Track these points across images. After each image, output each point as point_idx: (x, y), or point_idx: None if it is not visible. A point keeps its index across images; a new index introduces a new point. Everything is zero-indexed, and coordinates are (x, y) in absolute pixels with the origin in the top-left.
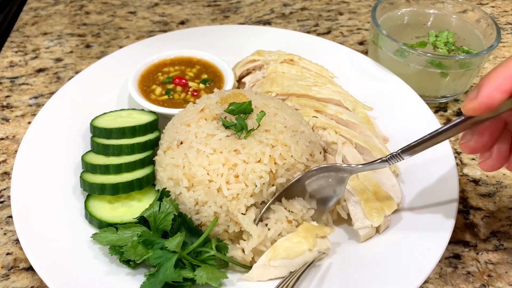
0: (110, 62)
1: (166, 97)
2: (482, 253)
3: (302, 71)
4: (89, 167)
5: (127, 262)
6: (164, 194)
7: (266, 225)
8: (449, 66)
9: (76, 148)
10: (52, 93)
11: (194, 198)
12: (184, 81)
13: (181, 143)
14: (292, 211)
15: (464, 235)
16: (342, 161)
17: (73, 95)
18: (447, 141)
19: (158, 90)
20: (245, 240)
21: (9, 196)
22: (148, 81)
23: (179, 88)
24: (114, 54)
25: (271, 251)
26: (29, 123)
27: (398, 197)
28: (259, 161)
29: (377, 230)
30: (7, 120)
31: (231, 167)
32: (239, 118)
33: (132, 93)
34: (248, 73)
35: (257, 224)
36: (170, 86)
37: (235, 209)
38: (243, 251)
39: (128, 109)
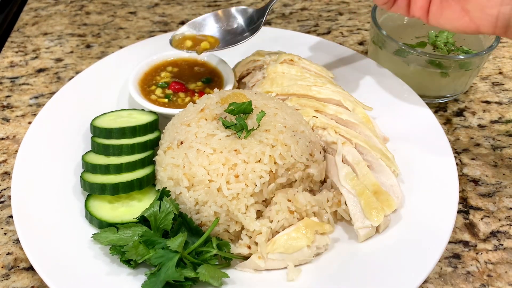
0: (110, 62)
1: (166, 100)
2: (481, 253)
3: (302, 71)
4: (89, 167)
5: (127, 262)
6: (164, 193)
7: (270, 221)
8: (449, 66)
9: (76, 148)
10: (52, 93)
11: (194, 198)
12: (180, 85)
13: (181, 143)
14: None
15: (463, 235)
16: (342, 161)
17: (73, 95)
18: (447, 141)
19: (159, 90)
20: (249, 237)
21: (9, 196)
22: (149, 81)
23: (181, 94)
24: (114, 54)
25: (270, 244)
26: (30, 123)
27: (398, 197)
28: (259, 161)
29: (377, 230)
30: (7, 120)
31: (231, 167)
32: (239, 118)
33: (132, 93)
34: (248, 73)
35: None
36: (169, 91)
37: (235, 209)
38: (249, 247)
39: (128, 109)
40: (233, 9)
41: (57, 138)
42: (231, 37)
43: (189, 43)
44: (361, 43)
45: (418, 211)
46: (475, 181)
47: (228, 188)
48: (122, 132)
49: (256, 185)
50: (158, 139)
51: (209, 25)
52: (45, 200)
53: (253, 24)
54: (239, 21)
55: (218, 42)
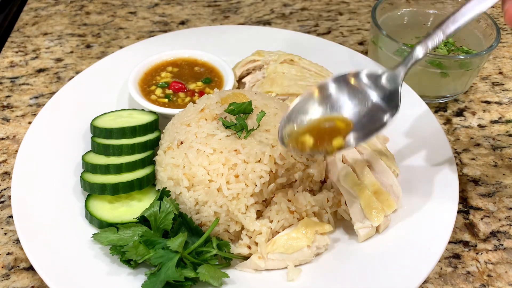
0: (110, 62)
1: (166, 100)
2: (481, 253)
3: (302, 71)
4: (89, 167)
5: (127, 262)
6: (164, 193)
7: (270, 221)
8: (449, 66)
9: (76, 148)
10: (52, 93)
11: (194, 198)
12: (180, 85)
13: (181, 143)
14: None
15: (463, 235)
16: (342, 161)
17: (73, 95)
18: (447, 141)
19: (159, 90)
20: (249, 237)
21: (9, 196)
22: (149, 81)
23: (181, 94)
24: (114, 54)
25: (270, 244)
26: (30, 123)
27: (398, 197)
28: (259, 161)
29: (377, 230)
30: (7, 120)
31: (231, 167)
32: (239, 118)
33: (132, 93)
34: (248, 73)
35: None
36: (169, 91)
37: (236, 209)
38: (249, 247)
39: (128, 109)
40: (359, 75)
41: (57, 138)
42: (366, 119)
43: (309, 140)
44: (361, 43)
45: (418, 211)
46: (475, 181)
47: (228, 188)
48: (122, 132)
49: (256, 185)
50: (158, 139)
51: (327, 103)
52: (45, 200)
53: (387, 95)
54: (369, 94)
55: (351, 126)
